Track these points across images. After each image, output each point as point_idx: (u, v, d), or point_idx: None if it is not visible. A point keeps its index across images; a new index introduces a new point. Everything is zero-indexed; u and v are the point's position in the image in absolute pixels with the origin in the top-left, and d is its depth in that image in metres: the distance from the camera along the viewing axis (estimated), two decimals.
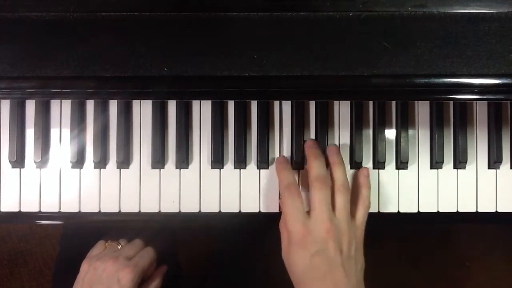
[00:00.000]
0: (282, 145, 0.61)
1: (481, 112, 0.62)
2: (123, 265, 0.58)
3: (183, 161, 0.60)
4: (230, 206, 0.61)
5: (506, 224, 0.69)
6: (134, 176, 0.61)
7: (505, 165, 0.62)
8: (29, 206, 0.61)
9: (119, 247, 0.64)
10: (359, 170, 0.60)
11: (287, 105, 0.61)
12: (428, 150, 0.62)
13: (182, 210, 0.61)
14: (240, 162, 0.60)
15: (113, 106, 0.61)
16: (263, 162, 0.60)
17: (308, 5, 0.51)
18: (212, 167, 0.61)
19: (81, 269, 0.60)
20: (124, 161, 0.60)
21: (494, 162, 0.61)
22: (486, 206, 0.61)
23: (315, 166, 0.57)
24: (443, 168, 0.62)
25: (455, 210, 0.61)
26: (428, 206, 0.61)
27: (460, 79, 0.50)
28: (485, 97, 0.52)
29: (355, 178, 0.61)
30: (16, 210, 0.61)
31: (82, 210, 0.61)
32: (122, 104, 0.61)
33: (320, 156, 0.58)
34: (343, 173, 0.58)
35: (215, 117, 0.61)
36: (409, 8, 0.51)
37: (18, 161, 0.60)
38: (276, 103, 0.61)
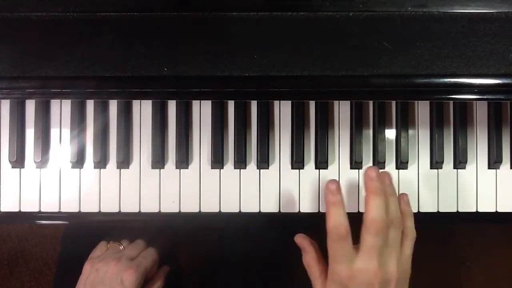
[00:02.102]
0: (282, 145, 0.61)
1: (481, 112, 0.62)
2: (126, 266, 0.58)
3: (183, 161, 0.60)
4: (230, 206, 0.61)
5: (506, 224, 0.69)
6: (134, 176, 0.61)
7: (505, 165, 0.62)
8: (29, 206, 0.61)
9: (121, 248, 0.64)
10: (399, 196, 0.56)
11: (287, 105, 0.61)
12: (428, 150, 0.62)
13: (182, 210, 0.61)
14: (240, 162, 0.60)
15: (113, 106, 0.61)
16: (263, 162, 0.60)
17: (308, 5, 0.51)
18: (212, 167, 0.61)
19: (83, 270, 0.60)
20: (124, 161, 0.60)
21: (494, 162, 0.61)
22: (486, 206, 0.61)
23: (374, 207, 0.50)
24: (443, 168, 0.62)
25: (455, 210, 0.61)
26: (428, 206, 0.61)
27: (460, 79, 0.50)
28: (485, 97, 0.52)
29: None
30: (16, 210, 0.61)
31: (82, 210, 0.61)
32: (122, 104, 0.61)
33: (381, 193, 0.51)
34: (396, 205, 0.53)
35: (215, 117, 0.61)
36: (409, 8, 0.51)
37: (18, 161, 0.60)
38: (276, 103, 0.61)
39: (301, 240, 0.57)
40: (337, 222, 0.50)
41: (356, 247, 0.51)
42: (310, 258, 0.55)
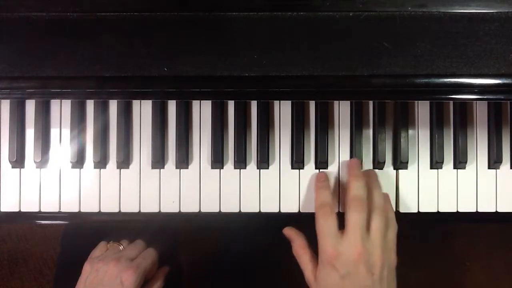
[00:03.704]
0: (282, 145, 0.61)
1: (481, 112, 0.62)
2: (126, 266, 0.58)
3: (183, 161, 0.60)
4: (230, 206, 0.61)
5: (506, 224, 0.69)
6: (134, 176, 0.61)
7: (505, 165, 0.62)
8: (29, 206, 0.61)
9: (120, 248, 0.64)
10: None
11: (287, 105, 0.61)
12: (428, 150, 0.62)
13: (182, 210, 0.61)
14: (240, 162, 0.60)
15: (113, 106, 0.61)
16: (263, 162, 0.60)
17: (308, 5, 0.51)
18: (212, 167, 0.61)
19: (83, 271, 0.60)
20: (124, 161, 0.60)
21: (494, 162, 0.61)
22: (486, 206, 0.61)
23: (354, 187, 0.56)
24: (443, 168, 0.62)
25: (455, 210, 0.61)
26: (428, 206, 0.61)
27: (460, 79, 0.50)
28: (485, 97, 0.52)
29: None
30: (16, 210, 0.61)
31: (82, 210, 0.61)
32: (122, 104, 0.61)
33: (361, 177, 0.57)
34: (380, 195, 0.57)
35: (215, 117, 0.61)
36: (409, 8, 0.51)
37: (18, 161, 0.60)
38: (276, 103, 0.61)
39: (288, 231, 0.60)
40: (323, 201, 0.56)
41: (342, 231, 0.54)
42: (298, 246, 0.58)
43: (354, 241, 0.52)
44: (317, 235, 0.55)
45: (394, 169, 0.62)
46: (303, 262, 0.57)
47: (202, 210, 0.61)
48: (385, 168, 0.61)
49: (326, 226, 0.54)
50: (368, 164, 0.61)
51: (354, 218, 0.54)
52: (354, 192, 0.56)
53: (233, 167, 0.61)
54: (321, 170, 0.61)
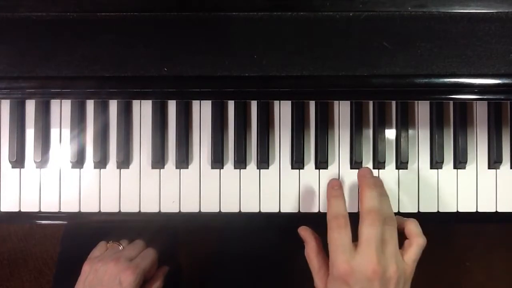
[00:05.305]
0: (282, 145, 0.61)
1: (481, 112, 0.62)
2: (125, 266, 0.58)
3: (183, 161, 0.60)
4: (230, 206, 0.61)
5: (506, 224, 0.69)
6: (134, 176, 0.61)
7: (505, 165, 0.62)
8: (29, 206, 0.61)
9: (120, 248, 0.64)
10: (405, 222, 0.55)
11: (287, 105, 0.61)
12: (428, 150, 0.62)
13: (182, 210, 0.61)
14: (240, 162, 0.60)
15: (113, 106, 0.61)
16: (263, 162, 0.60)
17: (308, 5, 0.51)
18: (212, 167, 0.61)
19: (82, 271, 0.60)
20: (124, 161, 0.60)
21: (494, 162, 0.61)
22: (486, 206, 0.61)
23: (369, 198, 0.52)
24: (443, 168, 0.62)
25: (455, 210, 0.61)
26: (428, 206, 0.61)
27: (460, 79, 0.50)
28: (485, 97, 0.52)
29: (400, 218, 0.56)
30: (16, 210, 0.61)
31: (82, 210, 0.61)
32: (122, 104, 0.61)
33: (374, 186, 0.53)
34: (389, 205, 0.54)
35: (215, 117, 0.61)
36: (409, 8, 0.51)
37: (18, 161, 0.60)
38: (276, 103, 0.61)
39: (303, 232, 0.58)
40: (336, 212, 0.52)
41: (356, 245, 0.51)
42: (310, 250, 0.56)
43: (369, 257, 0.49)
44: (329, 247, 0.52)
45: (395, 169, 0.62)
46: (314, 267, 0.55)
47: (202, 210, 0.61)
48: (385, 168, 0.61)
49: (339, 239, 0.51)
50: (368, 164, 0.61)
51: (369, 232, 0.50)
52: (369, 204, 0.52)
53: (233, 167, 0.61)
54: (321, 170, 0.61)
